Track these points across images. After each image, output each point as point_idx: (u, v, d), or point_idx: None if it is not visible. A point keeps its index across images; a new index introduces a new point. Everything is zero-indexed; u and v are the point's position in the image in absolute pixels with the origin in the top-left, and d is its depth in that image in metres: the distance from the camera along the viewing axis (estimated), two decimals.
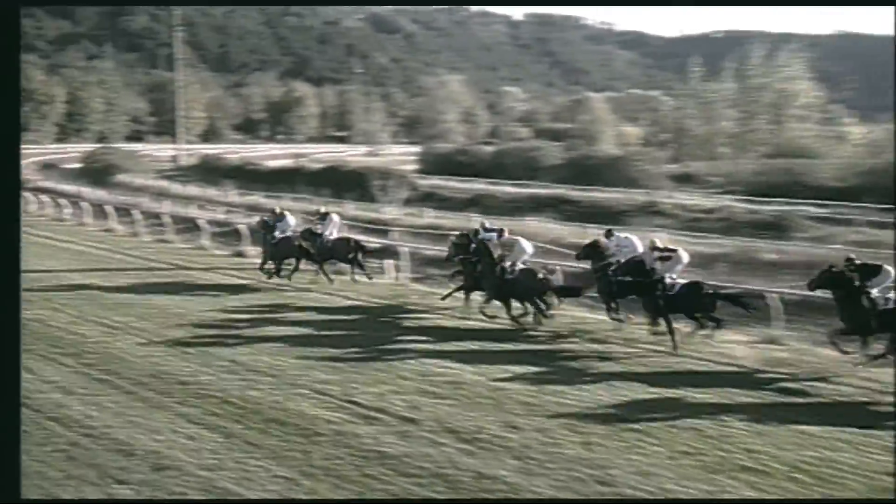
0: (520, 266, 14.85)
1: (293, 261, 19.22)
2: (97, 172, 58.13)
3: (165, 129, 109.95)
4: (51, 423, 9.82)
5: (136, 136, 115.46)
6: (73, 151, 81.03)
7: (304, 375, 11.67)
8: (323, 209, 20.95)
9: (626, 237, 14.89)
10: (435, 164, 59.97)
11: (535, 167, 53.71)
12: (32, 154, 77.31)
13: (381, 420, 9.95)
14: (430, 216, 31.53)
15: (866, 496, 7.89)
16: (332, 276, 18.64)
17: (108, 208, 30.46)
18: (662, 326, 13.33)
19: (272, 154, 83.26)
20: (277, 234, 19.64)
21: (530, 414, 10.12)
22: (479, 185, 48.09)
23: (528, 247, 15.18)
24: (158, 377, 11.60)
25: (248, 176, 53.43)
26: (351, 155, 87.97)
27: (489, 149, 66.65)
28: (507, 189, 45.36)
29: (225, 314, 15.56)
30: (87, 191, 40.52)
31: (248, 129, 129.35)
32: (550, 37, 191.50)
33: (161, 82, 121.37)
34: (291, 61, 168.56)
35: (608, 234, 15.12)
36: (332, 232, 19.39)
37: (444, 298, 15.75)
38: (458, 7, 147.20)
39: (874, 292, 11.86)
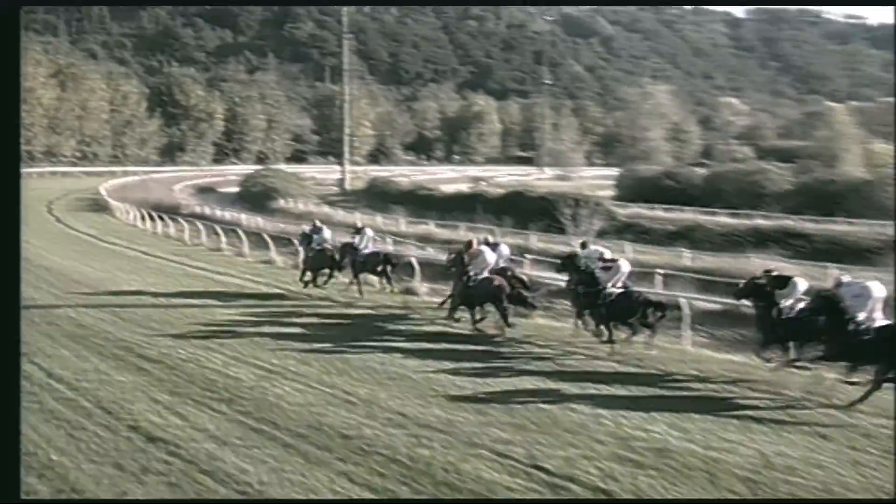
0: (484, 274, 18.86)
1: (327, 271, 24.20)
2: (256, 197, 61.09)
3: (330, 148, 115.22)
4: (203, 476, 10.36)
5: (298, 157, 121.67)
6: (231, 174, 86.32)
7: (481, 433, 11.76)
8: (359, 223, 26.00)
9: (596, 249, 18.55)
10: (636, 190, 59.44)
11: (758, 193, 52.15)
12: (188, 177, 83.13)
13: (570, 490, 9.88)
14: (629, 251, 31.15)
15: None
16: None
17: (267, 237, 32.14)
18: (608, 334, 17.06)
19: (447, 177, 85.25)
20: (315, 245, 24.49)
21: (754, 493, 9.74)
22: (688, 215, 47.19)
23: (490, 257, 19.20)
24: (319, 429, 12.02)
25: (420, 202, 54.84)
26: (538, 178, 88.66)
27: (702, 172, 65.36)
28: (724, 220, 44.27)
29: (395, 359, 15.96)
30: (245, 218, 43.01)
31: (421, 148, 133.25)
32: (780, 36, 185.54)
33: (327, 96, 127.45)
34: (470, 71, 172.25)
35: (583, 245, 19.15)
36: (368, 245, 23.92)
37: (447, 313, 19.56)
38: (665, 5, 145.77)
39: (785, 303, 14.89)
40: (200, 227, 37.31)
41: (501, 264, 19.97)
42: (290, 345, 17.23)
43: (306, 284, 24.08)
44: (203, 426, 12.16)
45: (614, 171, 76.76)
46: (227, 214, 46.03)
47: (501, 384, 14.27)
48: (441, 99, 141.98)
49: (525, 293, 18.99)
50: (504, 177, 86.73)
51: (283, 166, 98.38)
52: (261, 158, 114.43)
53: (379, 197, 61.95)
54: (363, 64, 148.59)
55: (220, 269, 28.31)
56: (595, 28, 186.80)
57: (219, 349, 16.77)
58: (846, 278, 14.60)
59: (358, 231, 24.41)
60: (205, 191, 71.71)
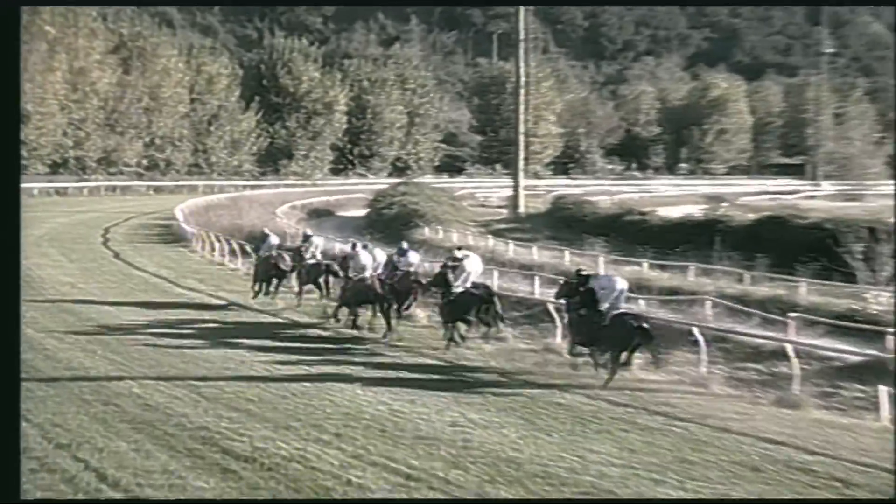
0: (364, 276, 28.36)
1: (275, 281, 33.65)
2: (391, 223, 61.67)
3: (498, 153, 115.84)
4: None
5: (451, 166, 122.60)
6: (357, 190, 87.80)
7: None
8: (308, 231, 36.86)
9: (466, 254, 27.42)
10: None
11: None
12: (297, 194, 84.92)
13: None
14: None
15: None
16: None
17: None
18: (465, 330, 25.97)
19: (670, 195, 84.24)
20: (262, 254, 34.04)
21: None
22: None
23: (365, 259, 28.90)
24: None
25: (628, 232, 54.37)
26: (809, 197, 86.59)
27: None
28: None
29: (591, 465, 15.93)
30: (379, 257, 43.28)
31: (631, 152, 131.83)
32: None
33: (493, 78, 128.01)
34: (707, 38, 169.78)
35: (458, 249, 28.88)
36: (315, 255, 33.28)
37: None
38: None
39: (604, 306, 22.20)
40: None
41: (411, 270, 29.25)
42: (437, 436, 17.49)
43: (256, 295, 33.37)
44: None
45: None
46: (351, 248, 46.72)
47: None
48: (661, 80, 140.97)
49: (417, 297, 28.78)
50: (757, 195, 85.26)
51: (430, 179, 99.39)
52: (398, 168, 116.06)
53: (567, 224, 61.75)
54: (547, 30, 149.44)
55: (342, 330, 28.76)
56: None
57: (335, 442, 17.05)
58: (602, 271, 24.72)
59: (306, 238, 34.34)
60: (320, 214, 73.10)
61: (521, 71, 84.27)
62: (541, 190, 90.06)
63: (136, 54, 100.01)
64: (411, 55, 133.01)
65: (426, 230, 57.47)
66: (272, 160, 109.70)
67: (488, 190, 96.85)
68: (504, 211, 78.04)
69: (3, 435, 10.70)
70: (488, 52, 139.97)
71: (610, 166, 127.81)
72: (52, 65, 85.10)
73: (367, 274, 28.46)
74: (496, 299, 26.13)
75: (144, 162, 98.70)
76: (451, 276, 26.00)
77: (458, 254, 27.40)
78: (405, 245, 31.20)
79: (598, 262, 41.93)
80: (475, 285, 26.36)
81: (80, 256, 44.18)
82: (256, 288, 33.71)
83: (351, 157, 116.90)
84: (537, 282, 33.44)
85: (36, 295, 31.66)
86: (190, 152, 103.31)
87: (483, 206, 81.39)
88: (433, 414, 19.07)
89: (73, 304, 31.61)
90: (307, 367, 23.32)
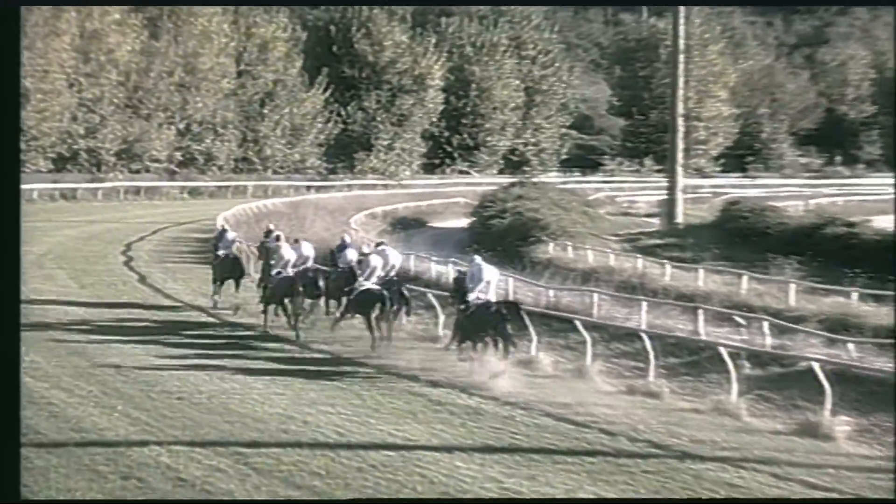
0: (286, 271, 35.63)
1: (232, 280, 40.80)
2: (502, 237, 61.61)
3: (647, 143, 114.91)
4: None
5: (583, 160, 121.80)
6: (457, 192, 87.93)
7: None
8: (272, 226, 43.21)
9: (383, 249, 34.88)
10: None
11: None
12: (377, 199, 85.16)
13: None
14: None
15: None
16: None
17: (526, 320, 32.38)
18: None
19: (889, 200, 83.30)
20: (220, 252, 41.51)
21: None
22: None
23: (288, 254, 35.88)
24: None
25: (830, 249, 54.06)
26: None
27: None
28: None
29: None
30: (306, 250, 43.02)
31: (833, 140, 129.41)
32: None
33: (641, 41, 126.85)
34: None
35: (378, 245, 36.14)
36: None
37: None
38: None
39: (471, 295, 29.40)
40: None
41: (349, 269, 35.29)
42: None
43: (215, 294, 40.49)
44: None
45: None
46: (452, 269, 46.35)
47: None
48: (878, 41, 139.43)
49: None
50: None
51: (556, 178, 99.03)
52: (513, 163, 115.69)
53: (744, 239, 61.48)
54: None
55: (437, 378, 28.82)
56: None
57: None
58: (477, 258, 30.70)
59: (268, 233, 40.58)
60: (408, 225, 73.23)
61: (681, 31, 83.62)
62: (706, 192, 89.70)
63: (166, 13, 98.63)
64: (530, 12, 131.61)
65: (550, 247, 57.25)
66: (345, 153, 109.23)
67: (634, 192, 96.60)
68: (656, 221, 77.73)
69: (3, 435, 13.17)
70: (635, 6, 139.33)
71: (804, 160, 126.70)
72: (57, 27, 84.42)
73: (290, 270, 35.76)
74: (405, 295, 33.48)
75: (177, 155, 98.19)
76: (357, 272, 33.75)
77: (366, 248, 35.53)
78: (347, 239, 38.27)
79: (788, 291, 41.56)
80: (389, 282, 33.47)
81: (94, 281, 44.64)
82: (215, 289, 40.88)
83: (449, 149, 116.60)
84: (702, 317, 33.27)
85: (37, 332, 31.79)
86: (237, 143, 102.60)
87: (627, 213, 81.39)
88: (559, 495, 19.02)
89: (85, 345, 31.90)
90: (390, 429, 23.42)
